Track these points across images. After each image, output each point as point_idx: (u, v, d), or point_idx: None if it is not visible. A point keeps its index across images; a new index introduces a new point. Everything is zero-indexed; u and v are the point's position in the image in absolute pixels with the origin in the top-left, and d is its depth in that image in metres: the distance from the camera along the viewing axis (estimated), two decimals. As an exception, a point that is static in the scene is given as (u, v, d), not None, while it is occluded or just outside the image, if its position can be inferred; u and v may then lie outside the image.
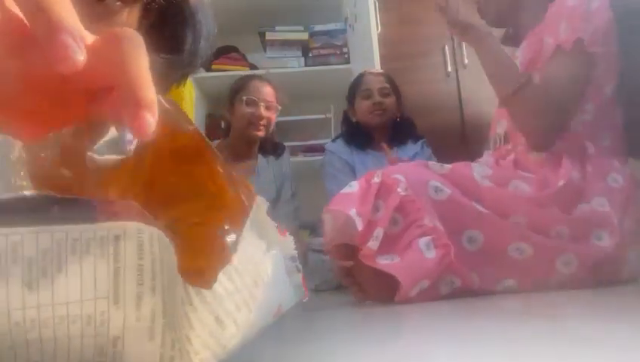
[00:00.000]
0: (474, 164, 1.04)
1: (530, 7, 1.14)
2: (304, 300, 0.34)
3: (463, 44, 2.23)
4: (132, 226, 0.21)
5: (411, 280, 0.82)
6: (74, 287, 0.20)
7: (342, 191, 0.95)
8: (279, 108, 1.77)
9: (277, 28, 2.30)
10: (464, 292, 0.87)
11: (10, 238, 0.19)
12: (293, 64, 2.28)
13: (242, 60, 2.36)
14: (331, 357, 0.42)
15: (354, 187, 0.94)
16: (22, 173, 0.22)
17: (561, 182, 0.93)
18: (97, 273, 0.21)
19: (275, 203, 1.74)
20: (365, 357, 0.40)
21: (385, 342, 0.47)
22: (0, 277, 0.19)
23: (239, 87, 1.76)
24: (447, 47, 2.25)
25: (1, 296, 0.19)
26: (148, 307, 0.22)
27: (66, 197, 0.21)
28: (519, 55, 1.12)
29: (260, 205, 0.30)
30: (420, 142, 1.74)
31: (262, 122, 1.72)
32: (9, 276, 0.19)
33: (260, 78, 1.83)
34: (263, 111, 1.72)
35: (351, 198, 0.91)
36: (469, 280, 0.87)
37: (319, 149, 2.23)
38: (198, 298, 0.23)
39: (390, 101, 1.71)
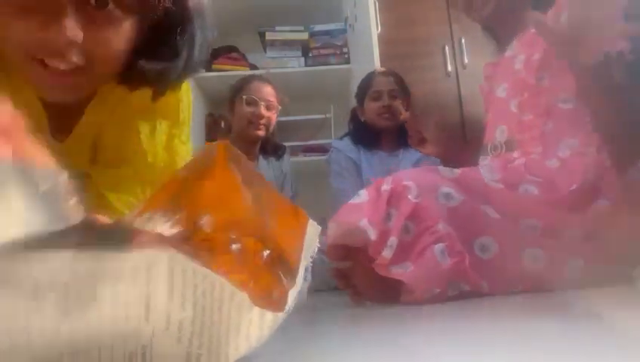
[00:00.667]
0: (481, 169, 1.02)
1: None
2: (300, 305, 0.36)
3: (463, 44, 2.23)
4: (164, 256, 0.22)
5: (426, 287, 0.81)
6: (107, 311, 0.21)
7: (350, 202, 0.92)
8: (279, 107, 1.78)
9: (277, 28, 2.30)
10: (469, 294, 0.86)
11: (48, 265, 0.20)
12: (293, 64, 2.28)
13: (242, 60, 2.36)
14: (331, 357, 0.41)
15: (363, 196, 0.91)
16: (70, 203, 0.22)
17: (573, 186, 0.91)
18: (129, 297, 0.22)
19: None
20: (365, 358, 0.40)
21: (385, 342, 0.47)
22: (37, 302, 0.20)
23: (240, 87, 1.77)
24: (447, 47, 2.24)
25: (37, 319, 0.20)
26: (176, 320, 0.23)
27: (105, 224, 0.22)
28: (517, 53, 1.10)
29: (312, 228, 0.33)
30: None
31: (262, 121, 1.72)
32: (45, 301, 0.20)
33: (260, 77, 1.84)
34: (264, 111, 1.72)
35: (360, 208, 0.88)
36: (478, 287, 0.85)
37: (319, 149, 2.24)
38: (273, 321, 0.26)
39: (399, 103, 1.71)
